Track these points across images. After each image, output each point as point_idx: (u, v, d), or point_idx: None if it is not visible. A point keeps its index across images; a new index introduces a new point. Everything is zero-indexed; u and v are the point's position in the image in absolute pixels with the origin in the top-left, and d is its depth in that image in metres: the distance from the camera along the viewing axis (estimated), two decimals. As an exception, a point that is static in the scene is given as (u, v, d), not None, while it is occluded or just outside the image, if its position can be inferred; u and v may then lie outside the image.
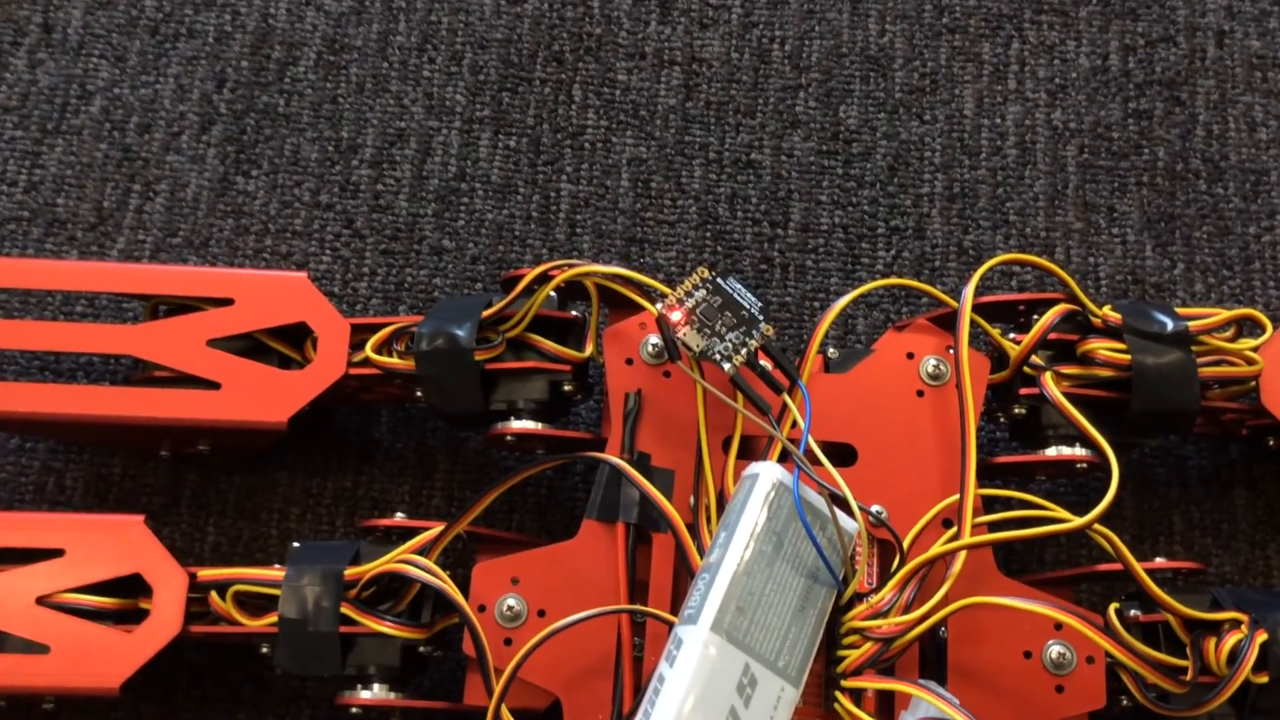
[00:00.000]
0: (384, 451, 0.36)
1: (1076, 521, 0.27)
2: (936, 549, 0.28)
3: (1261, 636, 0.29)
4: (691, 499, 0.30)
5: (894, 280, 0.35)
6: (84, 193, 0.39)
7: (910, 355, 0.31)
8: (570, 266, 0.32)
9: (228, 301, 0.33)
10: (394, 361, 0.33)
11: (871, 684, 0.28)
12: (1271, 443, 0.33)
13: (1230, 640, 0.29)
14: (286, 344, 0.34)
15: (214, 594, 0.30)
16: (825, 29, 0.42)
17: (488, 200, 0.39)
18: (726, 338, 0.29)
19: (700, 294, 0.30)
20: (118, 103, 0.40)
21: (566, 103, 0.40)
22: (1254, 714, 0.29)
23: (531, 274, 0.32)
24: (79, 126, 0.40)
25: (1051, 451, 0.32)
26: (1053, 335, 0.31)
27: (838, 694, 0.28)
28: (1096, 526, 0.28)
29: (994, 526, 0.29)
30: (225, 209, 0.39)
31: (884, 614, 0.28)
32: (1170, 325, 0.31)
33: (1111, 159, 0.40)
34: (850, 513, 0.28)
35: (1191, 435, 0.35)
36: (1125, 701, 0.30)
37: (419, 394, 0.33)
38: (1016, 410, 0.32)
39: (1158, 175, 0.40)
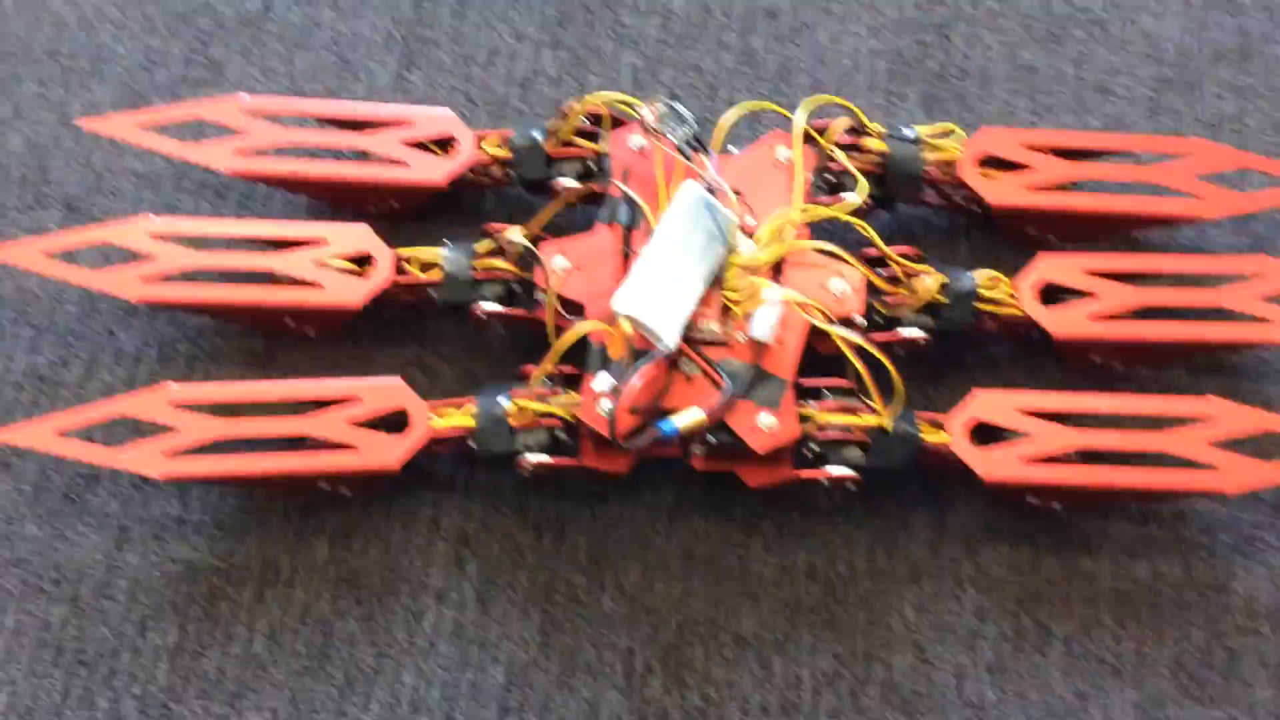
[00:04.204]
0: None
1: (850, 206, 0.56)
2: (776, 217, 0.56)
3: (944, 278, 0.56)
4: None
5: (755, 104, 0.61)
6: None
7: (777, 148, 0.59)
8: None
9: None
10: (501, 153, 0.61)
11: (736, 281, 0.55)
12: (968, 204, 0.61)
13: (927, 279, 0.56)
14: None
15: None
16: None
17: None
18: (678, 130, 0.57)
19: (662, 108, 0.58)
20: None
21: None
22: (935, 318, 0.57)
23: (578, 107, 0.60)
24: None
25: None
26: (845, 139, 0.59)
27: (725, 293, 0.55)
28: (854, 221, 0.56)
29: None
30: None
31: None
32: (908, 133, 0.60)
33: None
34: (731, 206, 0.56)
35: (921, 198, 0.62)
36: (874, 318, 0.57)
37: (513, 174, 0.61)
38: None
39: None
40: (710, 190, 0.55)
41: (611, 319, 0.54)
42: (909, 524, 0.58)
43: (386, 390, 0.56)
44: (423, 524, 0.58)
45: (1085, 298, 0.58)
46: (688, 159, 0.56)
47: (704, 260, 0.55)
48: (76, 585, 0.57)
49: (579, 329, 0.54)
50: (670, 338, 0.53)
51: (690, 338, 0.55)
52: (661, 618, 0.56)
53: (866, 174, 0.59)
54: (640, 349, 0.53)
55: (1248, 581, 0.57)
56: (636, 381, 0.53)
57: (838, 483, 0.55)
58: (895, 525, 0.58)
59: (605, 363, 0.54)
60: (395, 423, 0.56)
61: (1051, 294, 0.58)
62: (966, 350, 0.61)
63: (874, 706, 0.55)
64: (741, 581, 0.57)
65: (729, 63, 0.68)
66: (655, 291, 0.53)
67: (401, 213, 0.63)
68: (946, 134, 0.61)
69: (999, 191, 0.60)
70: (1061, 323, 0.57)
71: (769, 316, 0.54)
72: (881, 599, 0.57)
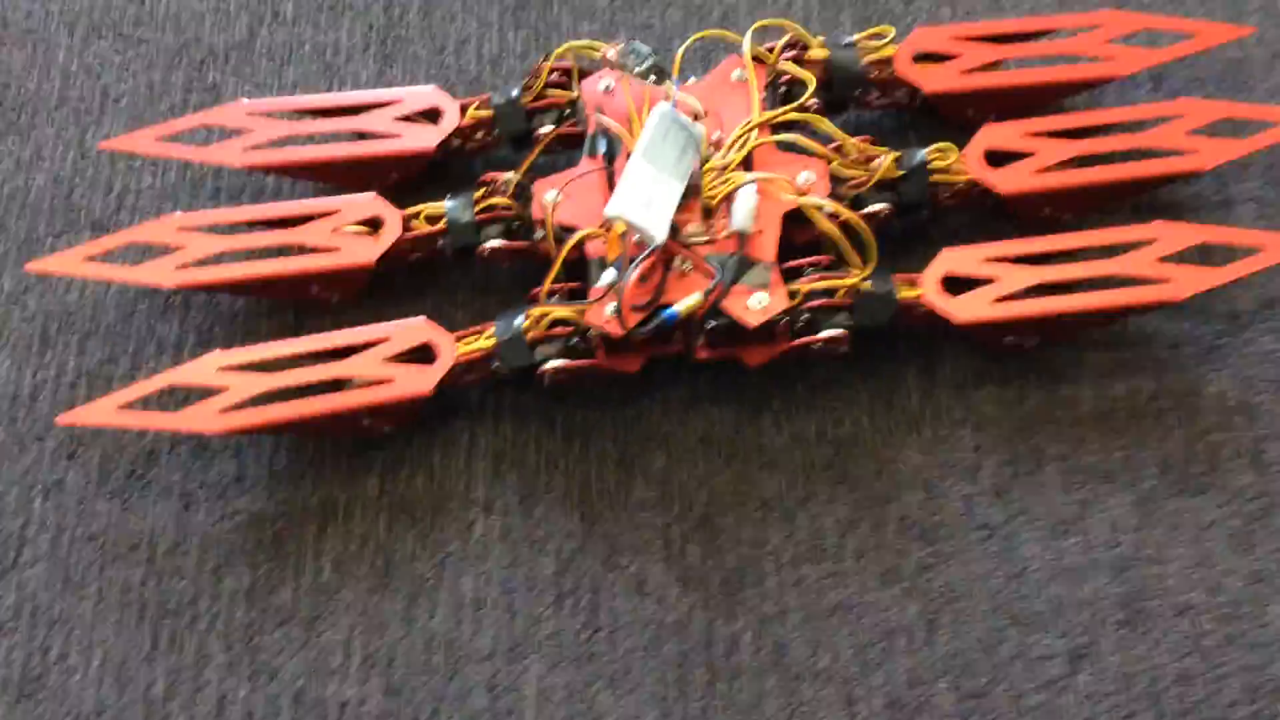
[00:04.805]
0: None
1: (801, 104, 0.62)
2: (740, 128, 0.62)
3: (897, 154, 0.63)
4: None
5: (707, 32, 0.68)
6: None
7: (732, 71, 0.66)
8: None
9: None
10: (484, 114, 0.67)
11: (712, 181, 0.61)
12: (912, 100, 0.68)
13: (883, 157, 0.63)
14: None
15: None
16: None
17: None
18: (640, 63, 0.64)
19: (623, 46, 0.64)
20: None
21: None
22: (894, 193, 0.63)
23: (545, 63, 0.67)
24: None
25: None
26: (790, 55, 0.66)
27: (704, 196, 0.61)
28: (809, 117, 0.62)
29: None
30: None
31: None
32: (845, 40, 0.66)
33: None
34: (698, 119, 0.62)
35: (866, 100, 0.68)
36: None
37: (497, 133, 0.67)
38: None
39: None
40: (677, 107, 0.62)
41: (606, 227, 0.60)
42: (903, 380, 0.63)
43: (412, 328, 0.62)
44: (461, 449, 0.63)
45: (1028, 157, 0.64)
46: (654, 84, 0.63)
47: (680, 165, 0.61)
48: (152, 548, 0.62)
49: (578, 235, 0.60)
50: (659, 232, 0.59)
51: (679, 239, 0.60)
52: (690, 495, 0.61)
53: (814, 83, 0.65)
54: (634, 255, 0.59)
55: (1217, 384, 0.62)
56: (635, 275, 0.58)
57: (830, 346, 0.60)
58: (891, 383, 0.63)
59: (605, 269, 0.60)
60: (425, 359, 0.61)
61: (999, 161, 0.64)
62: (931, 228, 0.67)
63: (894, 540, 0.60)
64: (758, 454, 0.62)
65: (676, 17, 0.75)
66: (641, 195, 0.59)
67: (401, 182, 0.69)
68: (881, 37, 0.67)
69: (934, 79, 0.66)
70: (1008, 180, 0.63)
71: (746, 205, 0.60)
72: (887, 449, 0.62)
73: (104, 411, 0.60)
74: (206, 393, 0.60)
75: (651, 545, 0.60)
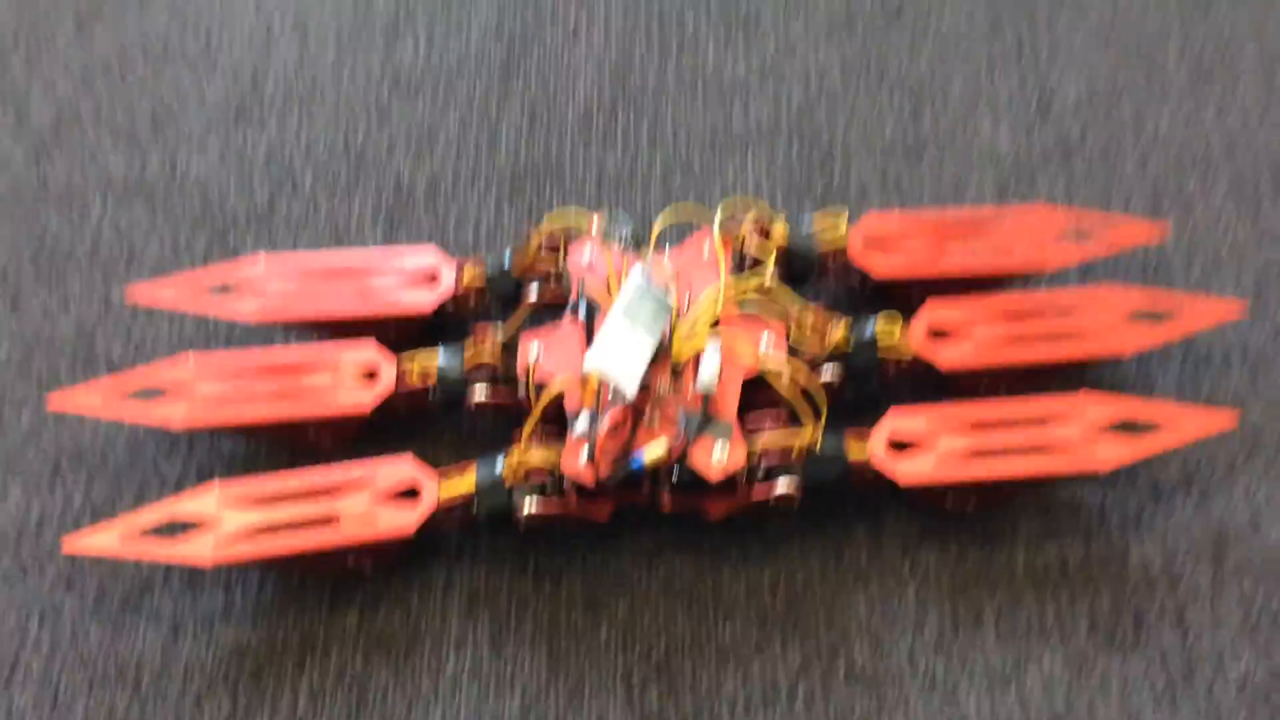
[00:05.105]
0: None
1: (763, 274, 0.69)
2: (707, 293, 0.69)
3: (848, 321, 0.69)
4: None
5: (681, 205, 0.76)
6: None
7: (703, 244, 0.73)
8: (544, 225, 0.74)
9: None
10: (478, 283, 0.74)
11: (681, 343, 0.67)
12: (863, 282, 0.75)
13: (835, 327, 0.69)
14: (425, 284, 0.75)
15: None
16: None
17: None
18: (621, 232, 0.71)
19: (606, 216, 0.71)
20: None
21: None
22: (845, 362, 0.69)
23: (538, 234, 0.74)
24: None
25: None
26: (755, 233, 0.73)
27: (674, 357, 0.67)
28: (771, 287, 0.69)
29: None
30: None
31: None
32: (804, 223, 0.74)
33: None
34: (671, 286, 0.69)
35: (816, 275, 0.75)
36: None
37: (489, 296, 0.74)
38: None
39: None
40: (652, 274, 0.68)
41: (583, 380, 0.66)
42: (852, 537, 0.68)
43: (398, 467, 0.67)
44: (437, 588, 0.67)
45: (967, 336, 0.70)
46: (632, 252, 0.70)
47: (653, 327, 0.67)
48: (138, 674, 0.65)
49: (555, 386, 0.66)
50: (631, 387, 0.64)
51: (649, 395, 0.66)
52: (651, 641, 0.65)
53: (780, 260, 0.72)
54: (607, 407, 0.65)
55: (1140, 551, 0.67)
56: (606, 426, 0.64)
57: (784, 500, 0.65)
58: (840, 539, 0.68)
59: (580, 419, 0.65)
60: (410, 498, 0.66)
61: (941, 333, 0.71)
62: (881, 399, 0.72)
63: (842, 688, 0.63)
64: (716, 602, 0.66)
65: (656, 201, 0.83)
66: (615, 352, 0.65)
67: (400, 340, 0.75)
68: (836, 219, 0.75)
69: (883, 265, 0.74)
70: (950, 357, 0.70)
71: (711, 366, 0.66)
72: (837, 601, 0.66)
73: (105, 540, 0.65)
74: (203, 524, 0.65)
75: (613, 686, 0.64)
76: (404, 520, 0.65)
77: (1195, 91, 0.86)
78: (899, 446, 0.66)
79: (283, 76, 0.90)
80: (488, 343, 0.70)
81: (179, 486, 0.72)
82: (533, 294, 0.73)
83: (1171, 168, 0.83)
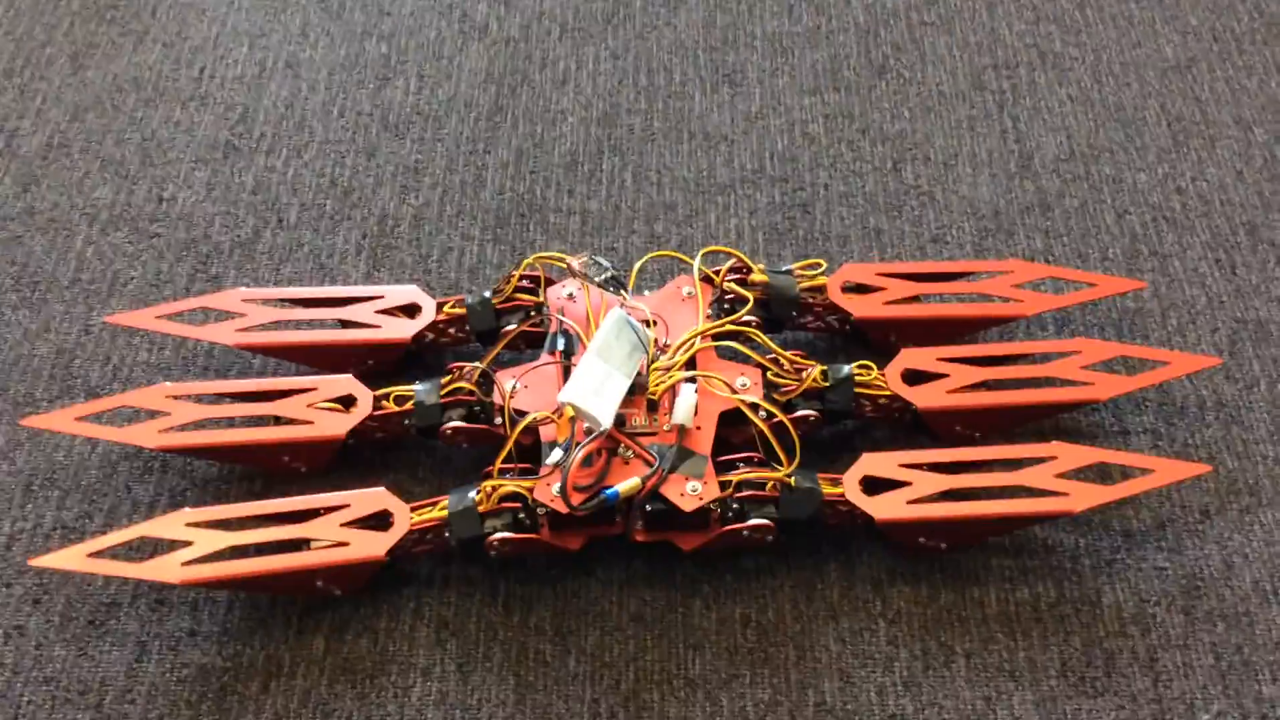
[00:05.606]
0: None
1: (740, 316, 0.70)
2: (686, 335, 0.69)
3: (824, 367, 0.70)
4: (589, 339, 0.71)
5: (662, 252, 0.77)
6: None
7: (683, 287, 0.74)
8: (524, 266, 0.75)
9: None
10: (459, 311, 0.74)
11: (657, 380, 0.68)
12: (842, 324, 0.75)
13: (812, 369, 0.69)
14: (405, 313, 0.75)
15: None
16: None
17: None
18: (600, 273, 0.72)
19: (586, 258, 0.72)
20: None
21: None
22: (822, 401, 0.69)
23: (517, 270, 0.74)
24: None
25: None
26: (734, 278, 0.74)
27: (649, 393, 0.68)
28: (748, 331, 0.70)
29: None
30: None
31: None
32: (783, 268, 0.75)
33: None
34: (648, 325, 0.69)
35: (800, 321, 0.76)
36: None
37: (468, 329, 0.74)
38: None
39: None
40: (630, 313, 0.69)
41: (559, 412, 0.66)
42: (824, 574, 0.68)
43: (372, 496, 0.67)
44: (406, 614, 0.67)
45: (942, 378, 0.71)
46: (612, 293, 0.71)
47: (629, 363, 0.67)
48: (101, 694, 0.64)
49: (530, 417, 0.66)
50: (605, 420, 0.65)
51: (624, 430, 0.66)
52: (620, 671, 0.65)
53: (759, 301, 0.73)
54: (581, 439, 0.65)
55: (1112, 595, 0.67)
56: (580, 457, 0.64)
57: (757, 534, 0.65)
58: (813, 576, 0.68)
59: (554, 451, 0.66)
60: (381, 527, 0.66)
61: (916, 380, 0.71)
62: (855, 437, 0.73)
63: (811, 724, 0.63)
64: (686, 635, 0.66)
65: (638, 243, 0.84)
66: (591, 386, 0.66)
67: (378, 369, 0.75)
68: (815, 267, 0.76)
69: (862, 306, 0.74)
70: (925, 397, 0.70)
71: (686, 402, 0.67)
72: (807, 637, 0.66)
73: (74, 558, 0.64)
74: (173, 546, 0.64)
75: (581, 716, 0.63)
76: (375, 545, 0.64)
77: (1173, 151, 0.88)
78: (872, 487, 0.66)
79: (273, 113, 0.91)
80: (465, 374, 0.70)
81: (151, 509, 0.71)
82: (512, 325, 0.73)
83: (1149, 224, 0.84)
